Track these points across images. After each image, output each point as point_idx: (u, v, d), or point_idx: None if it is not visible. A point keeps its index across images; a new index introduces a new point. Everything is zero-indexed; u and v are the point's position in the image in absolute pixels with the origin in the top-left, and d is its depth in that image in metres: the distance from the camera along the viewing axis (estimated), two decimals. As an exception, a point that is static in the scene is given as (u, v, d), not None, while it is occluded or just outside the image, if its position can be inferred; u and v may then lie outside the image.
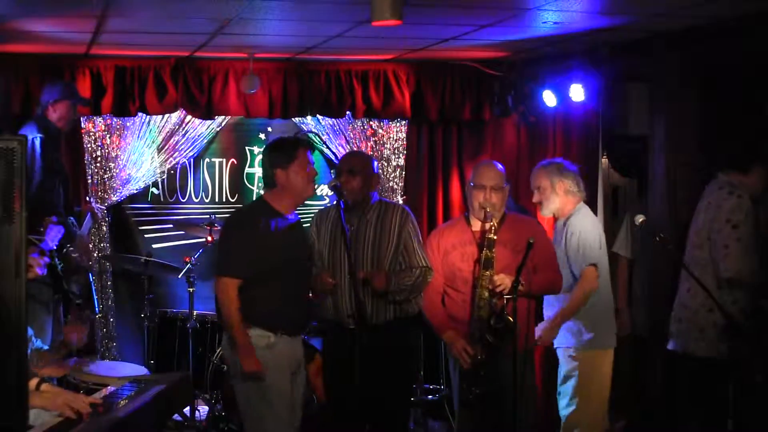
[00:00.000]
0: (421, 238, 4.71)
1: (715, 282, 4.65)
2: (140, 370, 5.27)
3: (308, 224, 4.91)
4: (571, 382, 4.99)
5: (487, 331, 4.49)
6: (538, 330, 4.88)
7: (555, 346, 5.06)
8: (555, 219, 5.26)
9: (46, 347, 4.15)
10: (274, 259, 4.25)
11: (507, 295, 4.38)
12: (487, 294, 4.51)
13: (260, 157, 6.97)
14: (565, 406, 5.04)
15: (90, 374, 4.79)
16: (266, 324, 4.23)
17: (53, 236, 4.58)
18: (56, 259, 5.10)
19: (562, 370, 5.07)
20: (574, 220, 4.99)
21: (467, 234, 4.71)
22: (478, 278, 4.55)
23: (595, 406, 5.01)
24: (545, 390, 5.95)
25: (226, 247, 4.38)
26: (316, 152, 6.66)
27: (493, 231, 4.52)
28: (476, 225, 4.72)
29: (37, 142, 5.44)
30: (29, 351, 3.97)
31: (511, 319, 4.38)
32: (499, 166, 4.76)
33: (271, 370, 4.20)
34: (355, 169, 4.61)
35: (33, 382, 3.40)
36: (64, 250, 5.34)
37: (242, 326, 4.20)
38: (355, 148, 6.87)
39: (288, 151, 4.32)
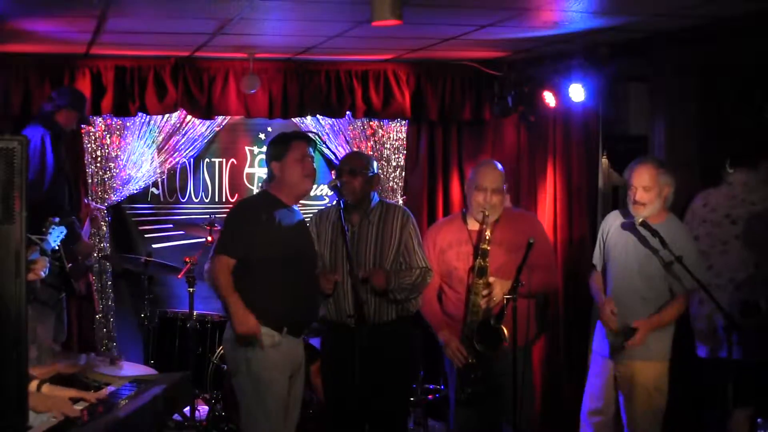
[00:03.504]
0: (421, 239, 4.72)
1: None
2: (147, 370, 5.27)
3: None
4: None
5: (479, 337, 4.51)
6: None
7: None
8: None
9: (57, 348, 4.16)
10: (277, 247, 4.23)
11: (507, 295, 4.38)
12: (481, 301, 4.53)
13: (260, 157, 7.02)
14: None
15: (95, 373, 4.79)
16: (273, 320, 4.21)
17: (55, 237, 4.59)
18: (63, 259, 5.10)
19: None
20: (678, 234, 4.63)
21: (463, 233, 4.72)
22: (472, 285, 4.57)
23: None
24: (548, 389, 5.96)
25: (225, 229, 4.42)
26: (317, 152, 6.65)
27: (486, 240, 4.52)
28: (473, 224, 4.72)
29: (47, 139, 5.43)
30: (38, 349, 3.99)
31: (504, 329, 4.39)
32: (500, 166, 4.76)
33: (270, 370, 4.19)
34: (356, 169, 4.62)
35: (33, 384, 3.39)
36: (71, 246, 5.35)
37: (234, 292, 4.20)
38: (355, 148, 6.87)
39: (283, 144, 4.35)
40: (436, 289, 4.76)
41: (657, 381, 4.64)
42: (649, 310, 4.60)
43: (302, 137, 4.44)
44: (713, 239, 4.98)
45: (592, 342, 4.92)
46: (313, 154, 4.40)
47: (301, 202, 4.69)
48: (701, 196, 5.08)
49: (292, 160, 4.29)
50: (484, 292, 4.52)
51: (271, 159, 4.36)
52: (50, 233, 4.53)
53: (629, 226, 4.65)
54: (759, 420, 4.75)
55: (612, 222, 4.84)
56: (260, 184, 6.62)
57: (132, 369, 5.05)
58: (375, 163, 4.78)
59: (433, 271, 4.65)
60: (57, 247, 4.65)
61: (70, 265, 5.27)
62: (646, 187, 4.58)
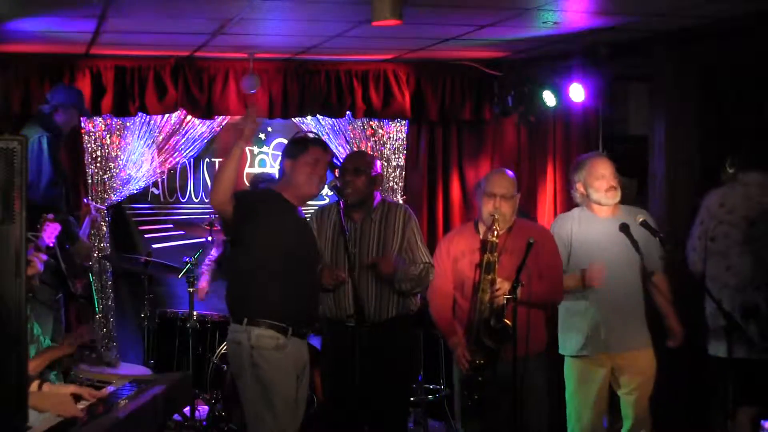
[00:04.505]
0: (422, 236, 4.73)
1: None
2: (143, 371, 5.28)
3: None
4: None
5: (485, 334, 4.49)
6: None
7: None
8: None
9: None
10: (278, 240, 4.20)
11: (506, 295, 4.37)
12: (488, 298, 4.51)
13: (260, 157, 7.05)
14: None
15: (92, 373, 4.80)
16: (278, 320, 4.18)
17: (50, 233, 4.59)
18: (60, 259, 5.10)
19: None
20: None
21: (476, 242, 4.70)
22: (479, 282, 4.55)
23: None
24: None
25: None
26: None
27: (494, 234, 4.51)
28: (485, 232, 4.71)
29: (44, 141, 5.43)
30: (36, 349, 3.98)
31: (509, 322, 4.37)
32: (511, 174, 4.75)
33: (277, 373, 4.15)
34: (360, 168, 4.62)
35: (35, 384, 3.39)
36: (67, 247, 5.35)
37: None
38: (355, 148, 6.88)
39: (300, 145, 4.34)
40: (450, 296, 4.74)
41: (653, 366, 4.74)
42: (639, 300, 4.72)
43: (322, 144, 4.44)
44: (731, 240, 4.91)
45: (561, 346, 4.89)
46: (327, 163, 4.40)
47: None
48: (716, 195, 4.94)
49: (304, 162, 4.29)
50: (495, 286, 4.49)
51: (285, 156, 4.35)
52: (45, 230, 4.53)
53: (625, 228, 4.64)
54: (762, 422, 4.75)
55: (570, 224, 4.84)
56: (258, 185, 6.61)
57: (128, 369, 5.06)
58: (378, 163, 4.79)
59: (439, 271, 4.65)
60: (52, 244, 4.65)
61: (65, 265, 5.26)
62: (613, 173, 4.72)
